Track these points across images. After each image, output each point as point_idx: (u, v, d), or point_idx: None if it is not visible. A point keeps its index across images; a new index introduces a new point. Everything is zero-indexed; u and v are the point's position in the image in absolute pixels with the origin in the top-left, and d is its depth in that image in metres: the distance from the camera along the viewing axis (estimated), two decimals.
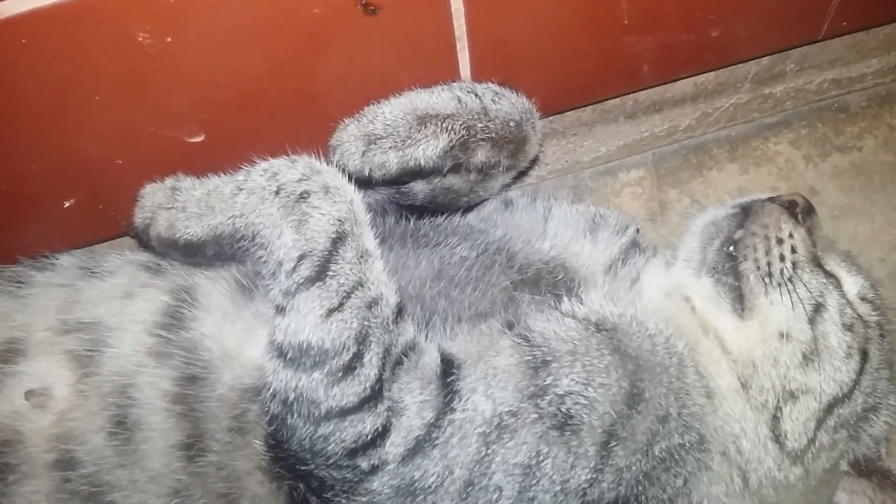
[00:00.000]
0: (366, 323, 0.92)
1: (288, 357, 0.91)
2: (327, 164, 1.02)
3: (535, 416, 0.91)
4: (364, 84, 1.11)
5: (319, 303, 0.91)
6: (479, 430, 0.90)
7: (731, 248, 1.09)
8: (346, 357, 0.90)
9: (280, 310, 0.93)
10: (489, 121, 1.09)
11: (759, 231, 1.08)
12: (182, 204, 1.04)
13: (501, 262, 1.10)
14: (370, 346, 0.91)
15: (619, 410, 0.93)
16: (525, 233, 1.18)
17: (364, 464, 0.89)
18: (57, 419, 0.95)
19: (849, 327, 1.03)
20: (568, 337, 0.97)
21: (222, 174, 1.05)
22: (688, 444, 0.97)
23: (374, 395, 0.90)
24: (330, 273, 0.92)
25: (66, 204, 1.16)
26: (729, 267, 1.08)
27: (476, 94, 1.10)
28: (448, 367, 0.94)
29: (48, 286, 1.05)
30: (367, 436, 0.89)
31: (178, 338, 0.99)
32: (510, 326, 0.99)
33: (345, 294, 0.92)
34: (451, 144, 1.07)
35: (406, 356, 0.94)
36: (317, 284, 0.92)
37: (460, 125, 1.07)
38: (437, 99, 1.09)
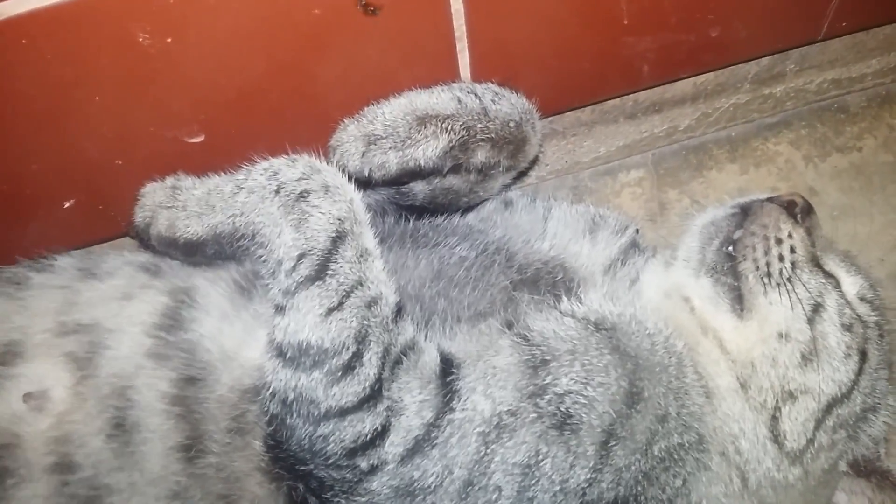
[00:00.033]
0: (365, 322, 0.92)
1: (287, 356, 0.91)
2: (327, 165, 1.02)
3: (535, 415, 0.91)
4: (364, 84, 1.11)
5: (319, 302, 0.91)
6: (479, 429, 0.90)
7: (731, 248, 1.09)
8: (346, 356, 0.90)
9: (279, 309, 0.93)
10: (489, 121, 1.09)
11: (758, 231, 1.08)
12: (182, 203, 1.04)
13: (501, 262, 1.10)
14: (370, 345, 0.91)
15: (619, 410, 0.93)
16: (525, 233, 1.18)
17: (363, 464, 0.89)
18: (55, 422, 0.95)
19: (848, 327, 1.03)
20: (567, 336, 0.97)
21: (222, 174, 1.05)
22: (687, 444, 0.97)
23: (373, 395, 0.90)
24: (330, 272, 0.92)
25: (66, 204, 1.16)
26: (728, 267, 1.08)
27: (476, 95, 1.10)
28: (447, 367, 0.94)
29: (46, 288, 1.05)
30: (367, 435, 0.89)
31: (177, 339, 0.99)
32: (509, 326, 0.99)
33: (344, 293, 0.92)
34: (450, 145, 1.07)
35: (405, 356, 0.94)
36: (316, 283, 0.92)
37: (460, 126, 1.08)
38: (437, 99, 1.09)
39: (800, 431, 1.00)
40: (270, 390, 0.92)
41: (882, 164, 1.63)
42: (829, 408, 1.01)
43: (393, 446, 0.89)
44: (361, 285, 0.93)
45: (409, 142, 1.06)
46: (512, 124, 1.11)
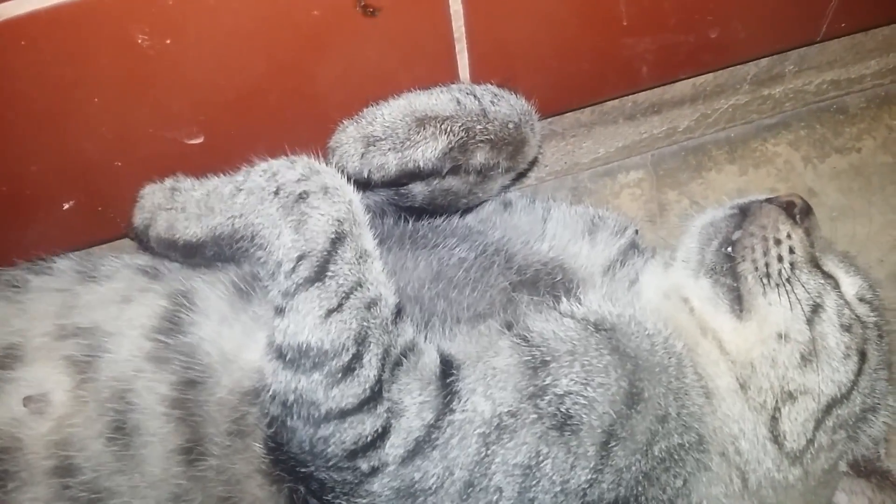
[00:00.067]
0: (365, 324, 0.92)
1: (287, 358, 0.91)
2: (326, 166, 1.02)
3: (535, 416, 0.91)
4: (363, 85, 1.11)
5: (318, 303, 0.91)
6: (479, 430, 0.90)
7: (730, 249, 1.09)
8: (346, 358, 0.90)
9: (279, 311, 0.93)
10: (488, 122, 1.09)
11: (756, 232, 1.08)
12: (181, 204, 1.04)
13: (500, 263, 1.11)
14: (369, 346, 0.91)
15: (619, 410, 0.93)
16: (524, 234, 1.18)
17: (364, 465, 0.89)
18: (55, 425, 0.95)
19: (847, 328, 1.04)
20: (567, 337, 0.97)
21: (222, 175, 1.05)
22: (687, 445, 0.97)
23: (373, 397, 0.90)
24: (329, 273, 0.92)
25: (66, 205, 1.15)
26: (727, 268, 1.08)
27: (475, 96, 1.10)
28: (447, 368, 0.94)
29: (45, 291, 1.05)
30: (367, 437, 0.89)
31: (177, 342, 0.99)
32: (509, 327, 0.99)
33: (344, 295, 0.92)
34: (449, 146, 1.07)
35: (405, 357, 0.94)
36: (316, 285, 0.92)
37: (459, 127, 1.08)
38: (436, 101, 1.09)
39: (799, 432, 1.01)
40: (270, 392, 0.92)
41: (881, 165, 1.63)
42: (829, 408, 1.01)
43: (393, 448, 0.89)
44: (361, 287, 0.93)
45: (408, 143, 1.06)
46: (511, 125, 1.11)
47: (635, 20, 1.20)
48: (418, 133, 1.07)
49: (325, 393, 0.89)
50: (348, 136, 1.07)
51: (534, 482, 0.90)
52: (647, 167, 1.62)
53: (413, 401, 0.91)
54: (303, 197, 0.96)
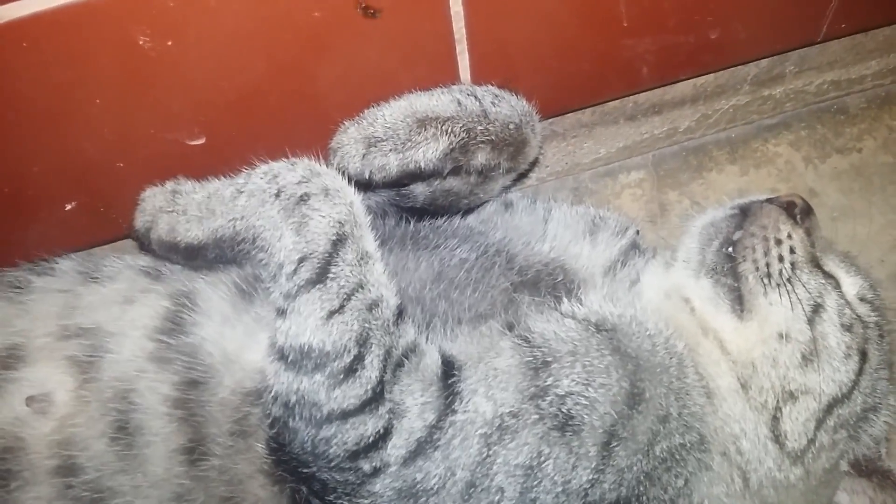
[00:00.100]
0: (366, 325, 0.92)
1: (289, 360, 0.91)
2: (327, 167, 1.02)
3: (536, 416, 0.91)
4: (364, 86, 1.11)
5: (320, 305, 0.91)
6: (481, 431, 0.90)
7: (730, 249, 1.09)
8: (347, 359, 0.90)
9: (281, 312, 0.93)
10: (489, 123, 1.10)
11: (757, 232, 1.08)
12: (183, 207, 1.04)
13: (501, 263, 1.11)
14: (371, 348, 0.91)
15: (620, 410, 0.93)
16: (525, 234, 1.18)
17: (366, 466, 0.89)
18: (58, 425, 0.95)
19: (848, 328, 1.04)
20: (568, 337, 0.97)
21: (223, 177, 1.05)
22: (688, 445, 0.97)
23: (375, 398, 0.90)
24: (330, 275, 0.92)
25: (68, 206, 1.16)
26: (728, 268, 1.08)
27: (476, 97, 1.10)
28: (449, 369, 0.94)
29: (47, 291, 1.05)
30: (369, 438, 0.89)
31: (179, 343, 0.99)
32: (510, 328, 0.99)
33: (345, 296, 0.92)
34: (450, 147, 1.08)
35: (407, 358, 0.94)
36: (317, 287, 0.92)
37: (460, 128, 1.08)
38: (437, 101, 1.09)
39: (801, 431, 1.01)
40: (272, 393, 0.92)
41: (881, 166, 1.63)
42: (830, 408, 1.01)
43: (395, 448, 0.89)
44: (362, 288, 0.93)
45: (409, 144, 1.07)
46: (512, 126, 1.12)
47: (636, 21, 1.20)
48: (419, 134, 1.07)
49: (327, 394, 0.89)
50: (349, 138, 1.08)
51: (535, 482, 0.90)
52: (648, 167, 1.62)
53: (415, 402, 0.91)
54: (304, 199, 0.96)
